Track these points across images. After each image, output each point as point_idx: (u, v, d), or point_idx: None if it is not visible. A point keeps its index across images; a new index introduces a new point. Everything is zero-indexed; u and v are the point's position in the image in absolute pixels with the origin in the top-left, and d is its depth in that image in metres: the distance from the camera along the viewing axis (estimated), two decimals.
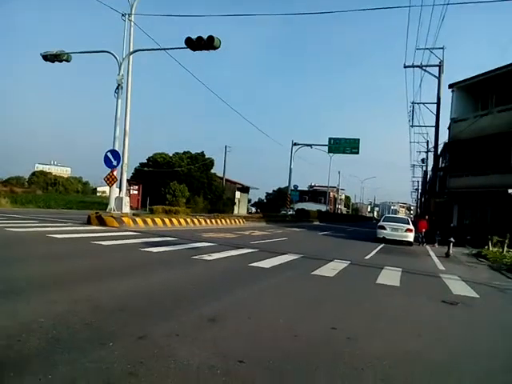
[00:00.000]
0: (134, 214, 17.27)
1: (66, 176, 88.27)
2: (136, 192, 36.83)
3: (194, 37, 12.67)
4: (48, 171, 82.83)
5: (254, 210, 66.73)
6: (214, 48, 12.77)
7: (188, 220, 19.86)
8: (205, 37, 12.55)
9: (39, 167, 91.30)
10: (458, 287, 7.91)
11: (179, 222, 18.84)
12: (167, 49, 15.20)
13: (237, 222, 25.75)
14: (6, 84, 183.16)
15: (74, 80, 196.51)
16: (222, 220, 23.91)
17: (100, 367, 2.79)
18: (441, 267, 11.33)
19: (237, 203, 54.40)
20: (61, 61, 16.20)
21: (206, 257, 8.78)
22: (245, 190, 59.25)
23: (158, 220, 17.42)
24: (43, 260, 7.03)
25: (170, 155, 48.60)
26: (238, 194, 55.92)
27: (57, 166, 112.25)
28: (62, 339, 3.24)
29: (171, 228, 17.08)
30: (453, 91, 25.15)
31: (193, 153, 49.36)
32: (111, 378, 2.65)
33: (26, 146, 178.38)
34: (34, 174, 75.10)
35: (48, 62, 16.12)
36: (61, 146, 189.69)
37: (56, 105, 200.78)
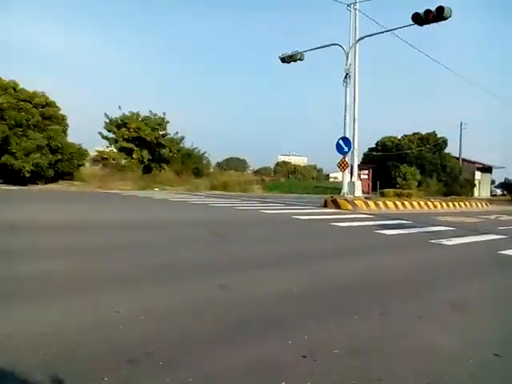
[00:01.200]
0: (365, 198, 17.68)
1: (303, 164, 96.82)
2: (366, 176, 37.28)
3: (420, 11, 11.96)
4: (288, 161, 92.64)
5: (498, 191, 56.64)
6: (444, 19, 11.79)
7: (421, 203, 18.92)
8: (433, 9, 11.67)
9: (281, 158, 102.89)
10: None
11: (411, 205, 18.18)
12: (392, 30, 14.78)
13: (478, 205, 23.08)
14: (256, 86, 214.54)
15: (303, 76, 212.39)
16: (460, 203, 21.88)
17: (348, 335, 3.04)
18: None
19: (477, 185, 48.54)
20: (295, 60, 17.70)
21: (445, 241, 8.27)
22: (486, 170, 52.08)
23: (389, 203, 17.30)
24: (292, 238, 8.21)
25: (399, 138, 47.33)
26: (477, 175, 49.95)
27: (295, 156, 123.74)
28: (307, 306, 3.69)
29: (403, 211, 16.65)
30: None
31: (423, 133, 46.46)
32: (359, 346, 2.83)
33: (270, 141, 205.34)
34: (277, 164, 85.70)
35: (284, 64, 17.91)
36: (298, 138, 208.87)
37: (289, 99, 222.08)
